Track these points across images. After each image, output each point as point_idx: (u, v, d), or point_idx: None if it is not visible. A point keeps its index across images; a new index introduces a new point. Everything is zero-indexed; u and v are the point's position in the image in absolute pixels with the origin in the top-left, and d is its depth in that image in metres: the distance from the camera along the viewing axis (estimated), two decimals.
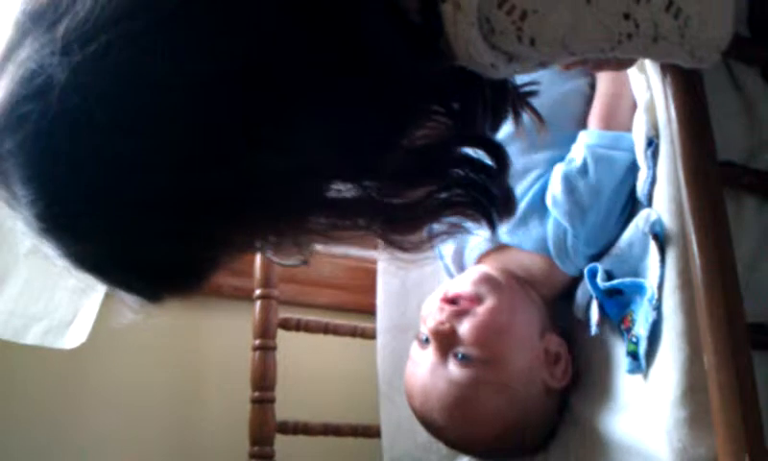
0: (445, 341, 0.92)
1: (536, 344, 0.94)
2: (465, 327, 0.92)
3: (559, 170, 0.92)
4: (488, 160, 0.63)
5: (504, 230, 0.95)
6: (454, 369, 0.91)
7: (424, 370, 0.94)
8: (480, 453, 1.00)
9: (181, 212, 0.52)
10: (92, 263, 0.55)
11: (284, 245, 0.63)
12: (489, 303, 0.93)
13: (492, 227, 0.65)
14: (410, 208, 0.60)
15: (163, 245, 0.53)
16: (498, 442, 0.94)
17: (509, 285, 0.95)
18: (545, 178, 0.94)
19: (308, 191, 0.56)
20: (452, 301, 0.95)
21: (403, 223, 0.62)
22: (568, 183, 0.90)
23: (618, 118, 0.91)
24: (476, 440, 0.95)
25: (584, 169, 0.90)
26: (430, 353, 0.93)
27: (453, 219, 0.64)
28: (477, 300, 0.93)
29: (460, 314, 0.93)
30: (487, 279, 0.95)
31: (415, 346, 0.98)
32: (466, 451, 1.00)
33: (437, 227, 0.64)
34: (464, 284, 0.96)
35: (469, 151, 0.62)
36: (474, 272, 0.98)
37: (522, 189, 0.95)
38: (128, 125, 0.49)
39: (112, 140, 0.49)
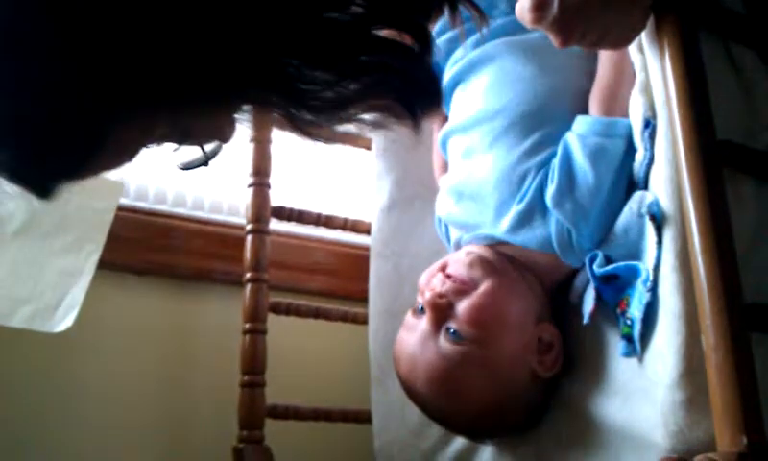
0: (440, 314, 0.92)
1: (529, 330, 0.93)
2: (462, 305, 0.92)
3: (554, 167, 0.91)
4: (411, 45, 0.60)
5: (505, 230, 0.94)
6: (444, 343, 0.91)
7: (415, 338, 0.94)
8: (456, 429, 1.00)
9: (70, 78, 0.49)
10: None
11: (186, 131, 0.60)
12: (486, 284, 0.92)
13: (415, 121, 0.63)
14: (323, 95, 0.57)
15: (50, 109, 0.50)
16: (476, 421, 0.95)
17: (504, 269, 0.95)
18: (542, 174, 0.93)
19: (223, 60, 0.53)
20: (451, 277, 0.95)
21: (317, 111, 0.58)
22: (567, 182, 0.89)
23: (620, 103, 0.90)
24: (454, 415, 0.96)
25: (579, 163, 0.89)
26: (423, 323, 0.94)
27: (371, 114, 0.61)
28: (471, 285, 0.93)
29: (459, 292, 0.93)
30: (481, 263, 0.95)
31: (409, 314, 0.98)
32: (442, 424, 1.00)
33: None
34: (458, 267, 0.95)
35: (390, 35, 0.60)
36: (469, 254, 0.97)
37: (523, 188, 0.93)
38: None
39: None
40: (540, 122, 0.96)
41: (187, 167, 0.66)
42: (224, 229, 1.35)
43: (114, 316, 1.23)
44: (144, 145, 0.57)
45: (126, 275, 1.25)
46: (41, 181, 0.54)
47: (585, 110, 0.95)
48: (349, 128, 0.62)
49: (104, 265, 1.10)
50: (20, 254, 1.05)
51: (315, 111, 0.59)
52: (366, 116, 0.62)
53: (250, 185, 1.21)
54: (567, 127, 0.94)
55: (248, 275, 1.17)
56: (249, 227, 1.20)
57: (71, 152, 0.52)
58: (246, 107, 0.60)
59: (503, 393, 0.92)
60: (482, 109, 1.00)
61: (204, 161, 0.65)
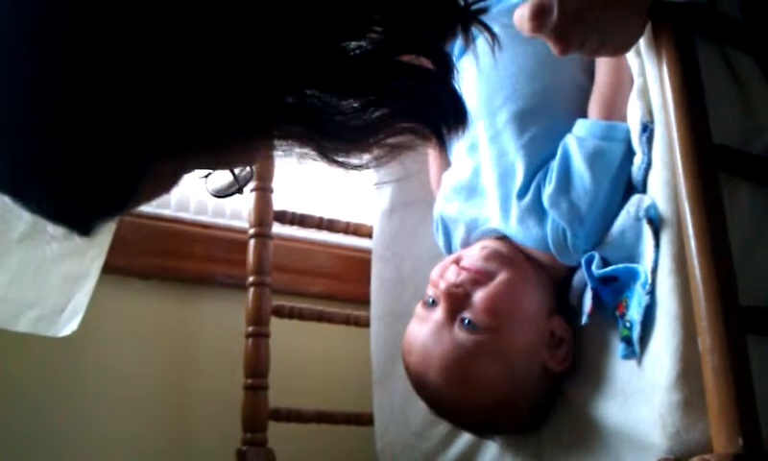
0: (456, 304, 0.93)
1: (542, 323, 0.94)
2: (478, 295, 0.93)
3: (553, 168, 0.92)
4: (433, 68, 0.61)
5: (509, 226, 0.96)
6: (459, 333, 0.92)
7: (428, 328, 0.94)
8: (464, 421, 0.99)
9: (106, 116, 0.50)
10: (8, 182, 0.52)
11: (217, 163, 0.61)
12: (502, 275, 0.94)
13: (441, 141, 0.63)
14: (349, 124, 0.58)
15: (88, 155, 0.51)
16: (486, 413, 0.95)
17: (519, 261, 0.96)
18: (540, 174, 0.94)
19: (248, 98, 0.53)
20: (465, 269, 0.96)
21: (345, 140, 0.59)
22: (564, 184, 0.90)
23: (619, 107, 0.91)
24: (465, 405, 0.95)
25: (577, 165, 0.90)
26: (437, 314, 0.94)
27: (398, 138, 0.61)
28: (486, 276, 0.94)
29: (476, 282, 0.94)
30: (496, 255, 0.96)
31: (419, 307, 0.98)
32: (450, 416, 0.99)
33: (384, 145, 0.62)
34: (473, 260, 0.96)
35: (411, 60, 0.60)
36: (484, 248, 0.98)
37: (520, 183, 0.95)
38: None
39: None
40: (537, 117, 0.97)
41: (220, 195, 0.68)
42: (227, 233, 1.36)
43: (118, 320, 1.24)
44: (180, 177, 0.58)
45: (130, 279, 1.26)
46: (83, 221, 0.56)
47: (581, 106, 0.96)
48: (377, 153, 0.63)
49: (108, 269, 1.10)
50: (25, 258, 1.05)
51: (345, 141, 0.59)
52: (392, 140, 0.62)
53: (252, 190, 1.22)
54: (564, 122, 0.95)
55: (251, 278, 1.18)
56: (251, 231, 1.20)
57: (111, 192, 0.54)
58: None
59: (515, 385, 0.93)
60: (481, 103, 1.01)
61: (238, 189, 0.67)
